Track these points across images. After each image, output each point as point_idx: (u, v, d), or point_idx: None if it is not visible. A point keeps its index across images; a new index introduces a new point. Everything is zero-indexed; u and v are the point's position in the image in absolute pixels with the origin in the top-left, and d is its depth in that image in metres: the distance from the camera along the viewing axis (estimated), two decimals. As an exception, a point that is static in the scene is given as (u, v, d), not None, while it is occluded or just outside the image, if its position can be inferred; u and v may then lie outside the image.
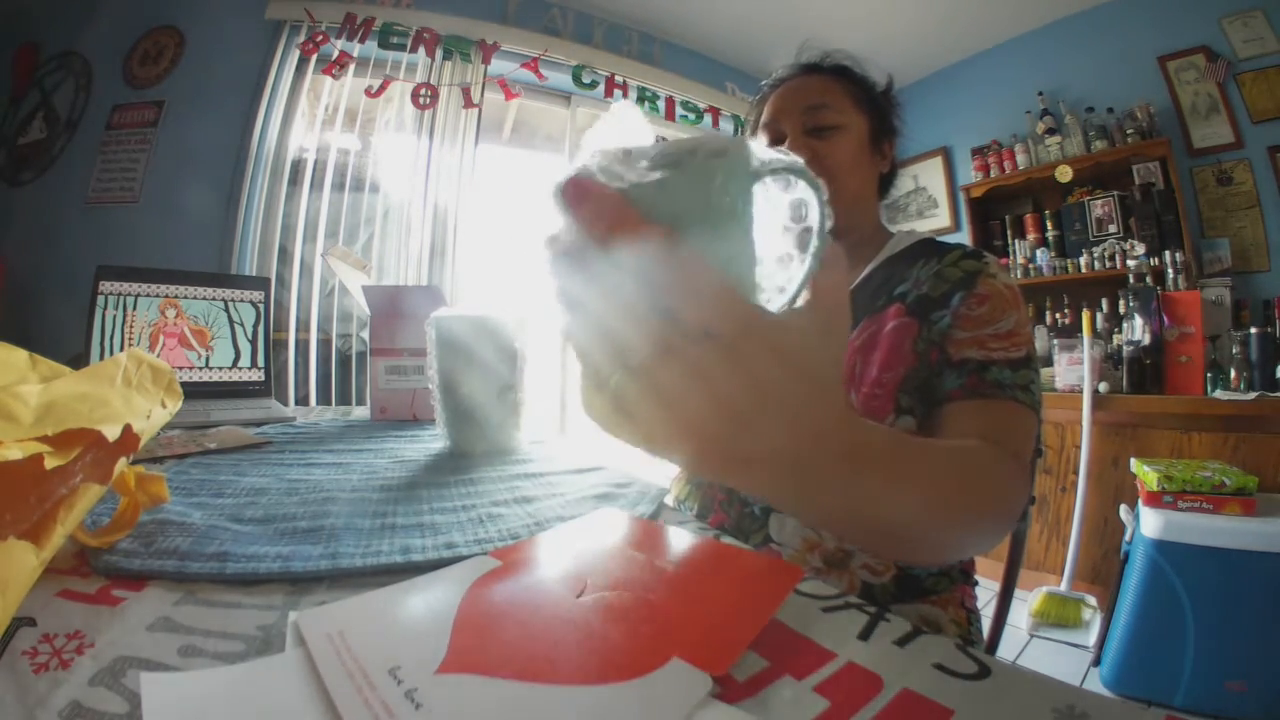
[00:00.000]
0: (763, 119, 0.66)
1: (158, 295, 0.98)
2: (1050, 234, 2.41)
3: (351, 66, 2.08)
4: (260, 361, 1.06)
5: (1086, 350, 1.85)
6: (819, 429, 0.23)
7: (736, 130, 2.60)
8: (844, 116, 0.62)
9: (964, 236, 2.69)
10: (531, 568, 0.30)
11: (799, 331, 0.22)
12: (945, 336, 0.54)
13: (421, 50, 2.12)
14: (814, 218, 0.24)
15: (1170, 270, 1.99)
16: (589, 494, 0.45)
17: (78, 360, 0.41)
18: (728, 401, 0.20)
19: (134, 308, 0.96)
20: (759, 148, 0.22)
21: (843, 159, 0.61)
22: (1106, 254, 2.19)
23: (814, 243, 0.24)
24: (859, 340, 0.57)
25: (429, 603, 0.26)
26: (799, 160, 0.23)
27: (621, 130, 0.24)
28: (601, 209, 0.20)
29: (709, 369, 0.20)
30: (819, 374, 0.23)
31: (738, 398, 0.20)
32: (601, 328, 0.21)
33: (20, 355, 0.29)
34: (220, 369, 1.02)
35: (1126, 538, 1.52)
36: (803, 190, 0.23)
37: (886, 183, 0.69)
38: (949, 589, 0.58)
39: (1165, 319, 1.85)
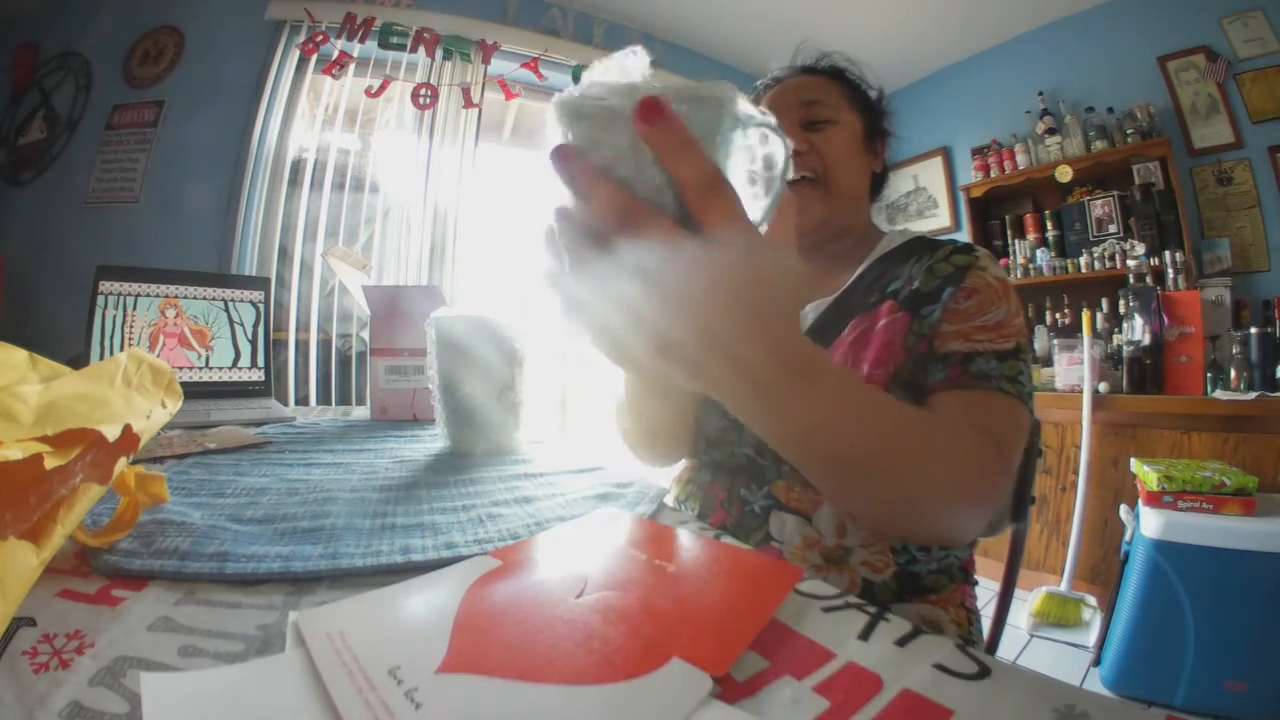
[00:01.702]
0: None
1: (158, 295, 0.98)
2: (1050, 234, 2.41)
3: (351, 66, 2.08)
4: (260, 361, 1.06)
5: (1086, 350, 1.85)
6: (775, 341, 0.27)
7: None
8: (838, 113, 0.63)
9: (964, 236, 2.69)
10: (531, 568, 0.30)
11: (764, 251, 0.27)
12: (934, 330, 0.54)
13: (421, 50, 2.12)
14: (779, 167, 0.29)
15: (1170, 270, 1.99)
16: (589, 494, 0.45)
17: (78, 360, 0.41)
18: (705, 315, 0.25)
19: (134, 308, 0.96)
20: (745, 104, 0.27)
21: (837, 152, 0.62)
22: (1106, 254, 2.19)
23: (777, 185, 0.29)
24: (851, 337, 0.57)
25: (429, 603, 0.26)
26: (774, 119, 0.28)
27: (622, 70, 0.28)
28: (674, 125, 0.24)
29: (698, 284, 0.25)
30: (777, 294, 0.27)
31: (714, 312, 0.25)
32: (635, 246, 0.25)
33: (20, 355, 0.29)
34: (220, 369, 1.02)
35: (1126, 538, 1.52)
36: (774, 145, 0.29)
37: (879, 184, 0.70)
38: (949, 588, 0.58)
39: (1165, 319, 1.85)
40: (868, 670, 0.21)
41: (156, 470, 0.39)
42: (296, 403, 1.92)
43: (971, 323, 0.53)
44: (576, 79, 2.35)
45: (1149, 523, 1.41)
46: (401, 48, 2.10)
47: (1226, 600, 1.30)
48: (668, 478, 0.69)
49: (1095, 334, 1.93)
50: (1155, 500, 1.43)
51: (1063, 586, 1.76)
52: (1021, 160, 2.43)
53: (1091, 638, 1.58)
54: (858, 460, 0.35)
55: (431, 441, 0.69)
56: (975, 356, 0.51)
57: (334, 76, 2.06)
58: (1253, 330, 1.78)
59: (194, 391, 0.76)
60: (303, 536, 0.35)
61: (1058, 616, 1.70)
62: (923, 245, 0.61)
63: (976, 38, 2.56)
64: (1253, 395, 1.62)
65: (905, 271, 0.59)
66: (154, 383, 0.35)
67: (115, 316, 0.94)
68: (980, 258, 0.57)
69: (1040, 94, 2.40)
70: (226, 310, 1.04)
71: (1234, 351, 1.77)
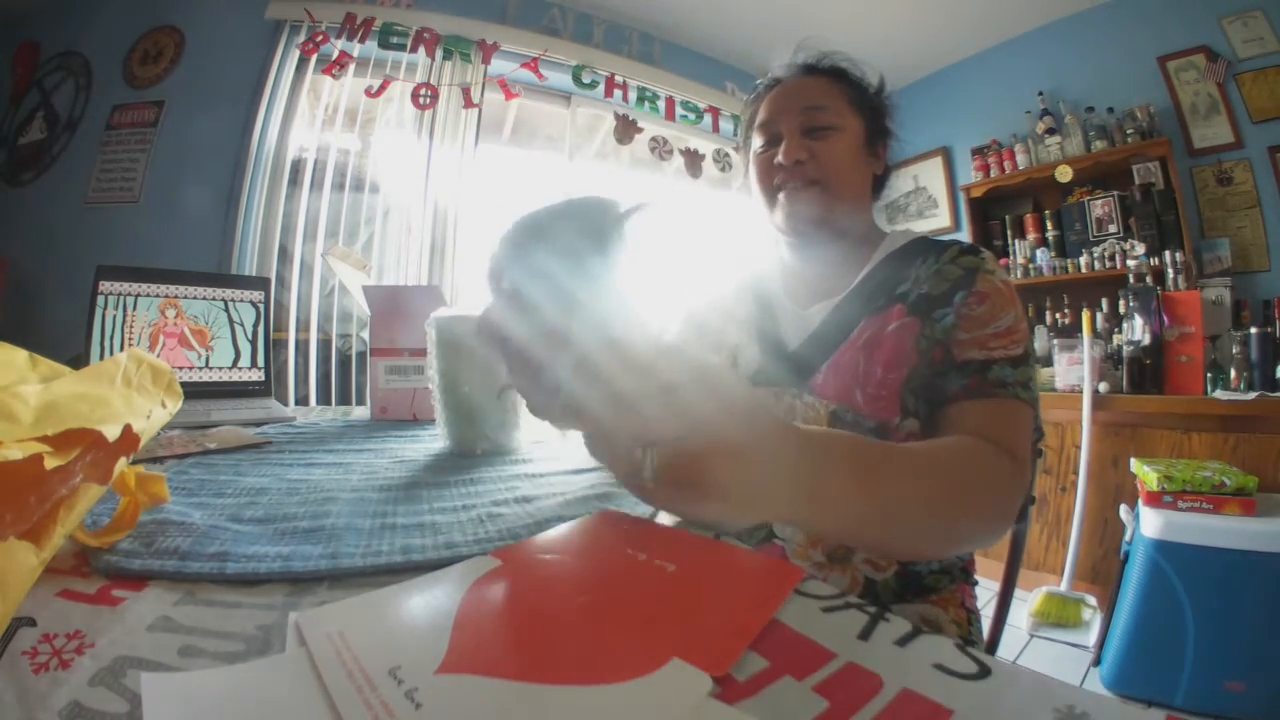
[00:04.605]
0: (759, 118, 0.66)
1: (158, 295, 0.98)
2: (1050, 234, 2.41)
3: (351, 66, 2.08)
4: (260, 361, 1.06)
5: (1086, 350, 1.85)
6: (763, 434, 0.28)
7: (734, 130, 2.61)
8: (840, 118, 0.63)
9: (964, 236, 2.69)
10: (531, 567, 0.30)
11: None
12: (949, 336, 0.54)
13: (421, 50, 2.12)
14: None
15: (1170, 270, 1.99)
16: (589, 494, 0.45)
17: (78, 360, 0.41)
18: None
19: (134, 308, 0.96)
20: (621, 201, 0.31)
21: (839, 159, 0.62)
22: (1106, 254, 2.19)
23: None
24: (861, 339, 0.57)
25: (429, 603, 0.26)
26: (652, 199, 0.31)
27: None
28: None
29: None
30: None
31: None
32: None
33: (20, 355, 0.29)
34: (220, 369, 1.02)
35: (1126, 538, 1.52)
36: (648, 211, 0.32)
37: (880, 184, 0.70)
38: (949, 588, 0.58)
39: (1165, 319, 1.85)
40: (868, 670, 0.21)
41: (156, 470, 0.39)
42: (296, 403, 1.92)
43: (986, 330, 0.54)
44: (577, 79, 2.36)
45: (1149, 523, 1.41)
46: (401, 48, 2.10)
47: (1226, 600, 1.30)
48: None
49: (1095, 334, 1.93)
50: (1155, 500, 1.43)
51: (1063, 586, 1.76)
52: (1021, 160, 2.43)
53: (1091, 638, 1.58)
54: (893, 538, 0.40)
55: (431, 441, 0.69)
56: (992, 365, 0.52)
57: (334, 76, 2.06)
58: (1253, 330, 1.78)
59: (194, 391, 0.76)
60: (303, 536, 0.35)
61: (1058, 616, 1.70)
62: (927, 247, 0.62)
63: (976, 38, 2.56)
64: (1253, 395, 1.62)
65: (911, 274, 0.59)
66: (154, 383, 0.35)
67: (115, 316, 0.94)
68: (986, 260, 0.58)
69: (1040, 94, 2.40)
70: (226, 310, 1.04)
71: (1234, 351, 1.77)
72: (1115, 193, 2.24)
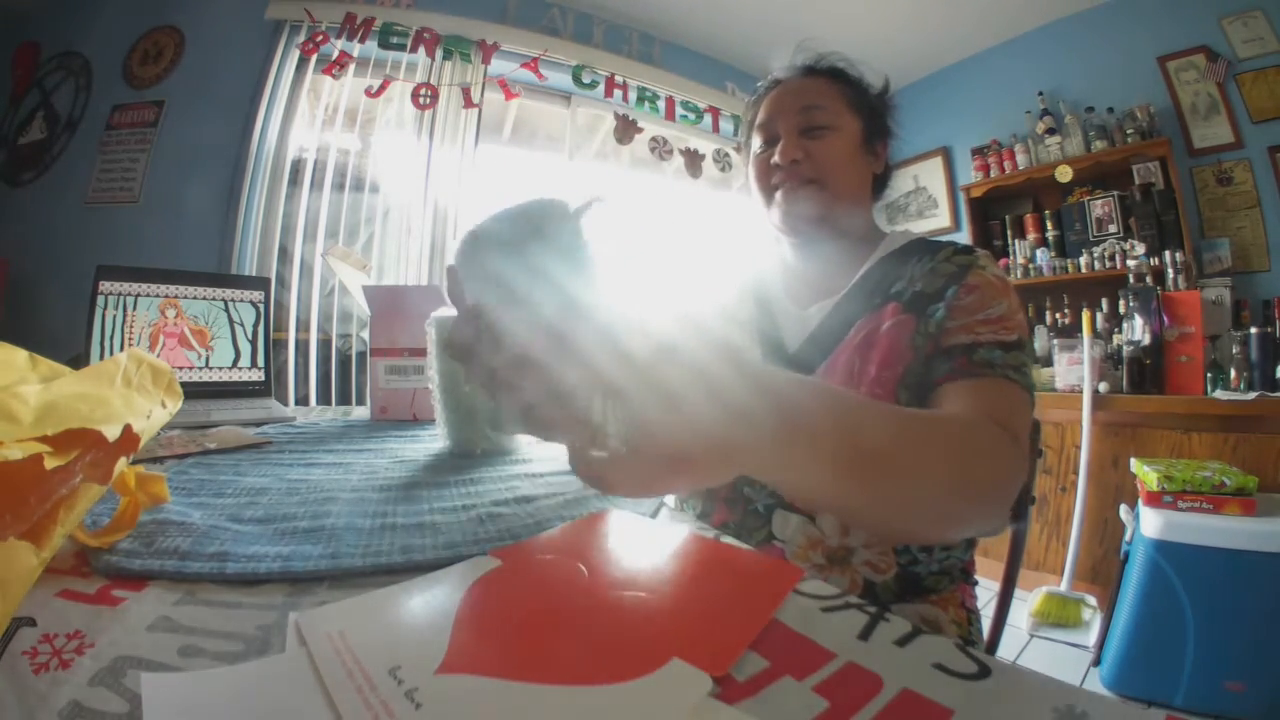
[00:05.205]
0: (758, 120, 0.66)
1: (158, 295, 0.98)
2: (1050, 234, 2.41)
3: (351, 66, 2.08)
4: (260, 361, 1.06)
5: (1086, 350, 1.85)
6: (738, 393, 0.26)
7: (734, 130, 2.61)
8: (837, 118, 0.63)
9: (964, 236, 2.69)
10: (531, 568, 0.30)
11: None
12: (939, 328, 0.54)
13: (421, 50, 2.12)
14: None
15: (1170, 270, 1.99)
16: (589, 494, 0.45)
17: (78, 360, 0.41)
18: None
19: (134, 308, 0.96)
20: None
21: (835, 159, 0.62)
22: (1106, 254, 2.19)
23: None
24: (857, 338, 0.57)
25: (429, 603, 0.26)
26: (598, 195, 0.31)
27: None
28: None
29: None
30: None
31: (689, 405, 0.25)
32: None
33: (20, 355, 0.29)
34: (220, 369, 1.02)
35: (1126, 538, 1.52)
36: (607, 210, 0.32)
37: (880, 184, 0.70)
38: (949, 588, 0.58)
39: (1165, 319, 1.85)
40: (868, 670, 0.21)
41: (156, 470, 0.39)
42: (296, 403, 1.92)
43: (974, 317, 0.53)
44: (577, 79, 2.36)
45: (1149, 523, 1.41)
46: (401, 48, 2.10)
47: (1226, 600, 1.30)
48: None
49: (1095, 334, 1.93)
50: (1155, 500, 1.43)
51: (1063, 586, 1.76)
52: (1021, 160, 2.43)
53: (1091, 638, 1.58)
54: (890, 528, 0.38)
55: (431, 441, 0.69)
56: (979, 347, 0.51)
57: (334, 76, 2.06)
58: (1253, 330, 1.77)
59: (194, 391, 0.76)
60: (303, 536, 0.35)
61: (1058, 616, 1.70)
62: (923, 247, 0.62)
63: (977, 37, 2.56)
64: (1253, 395, 1.62)
65: (907, 273, 0.59)
66: (154, 383, 0.35)
67: (115, 316, 0.94)
68: (980, 258, 0.58)
69: (1040, 94, 2.40)
70: (226, 310, 1.04)
71: (1234, 351, 1.77)
72: (1115, 193, 2.24)
